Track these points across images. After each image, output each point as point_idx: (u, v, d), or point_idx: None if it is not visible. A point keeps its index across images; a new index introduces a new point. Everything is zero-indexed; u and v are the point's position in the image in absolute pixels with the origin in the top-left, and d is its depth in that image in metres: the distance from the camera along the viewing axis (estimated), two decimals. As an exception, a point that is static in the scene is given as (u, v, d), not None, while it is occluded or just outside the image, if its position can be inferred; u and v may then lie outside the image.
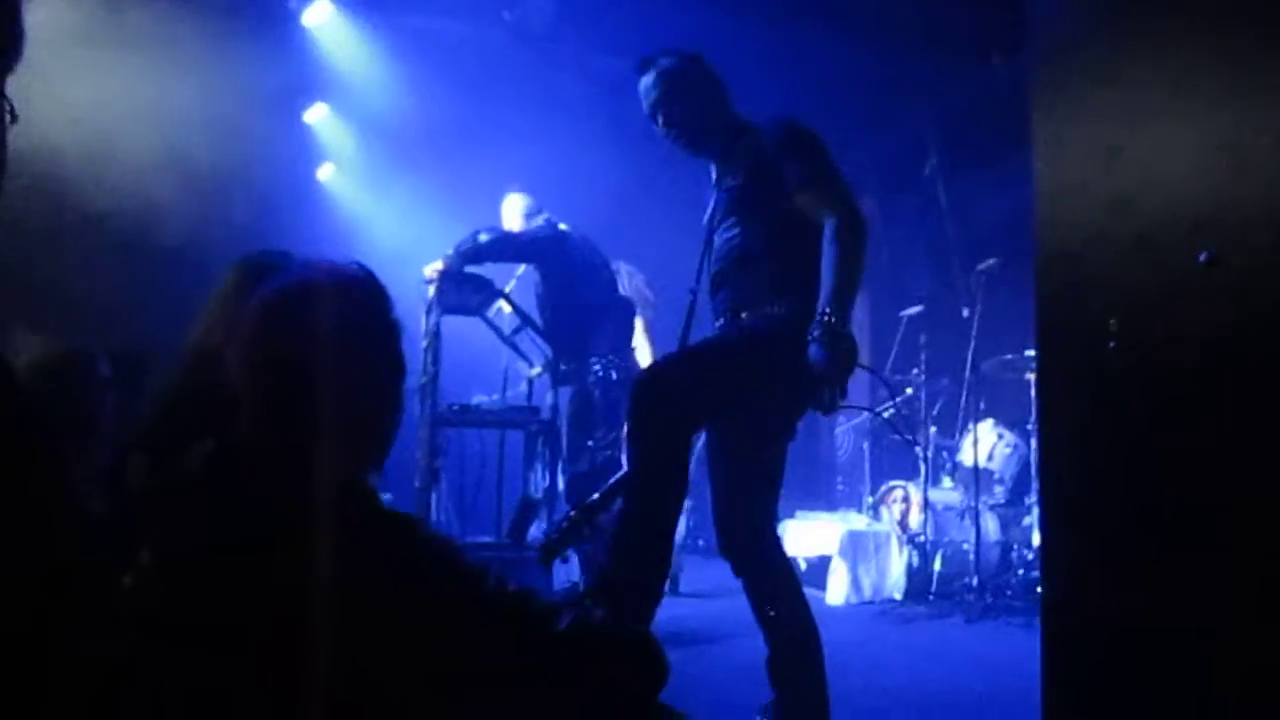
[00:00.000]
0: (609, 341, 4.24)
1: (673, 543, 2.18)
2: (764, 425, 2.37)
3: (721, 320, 2.44)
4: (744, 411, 2.35)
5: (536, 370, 4.48)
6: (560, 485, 4.16)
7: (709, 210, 2.54)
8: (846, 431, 7.42)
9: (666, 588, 5.34)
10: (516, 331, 4.41)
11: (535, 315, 4.40)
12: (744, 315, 2.37)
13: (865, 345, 7.43)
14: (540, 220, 4.44)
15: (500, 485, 4.53)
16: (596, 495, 2.33)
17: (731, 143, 2.51)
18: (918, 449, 5.76)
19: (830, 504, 7.09)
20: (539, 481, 4.27)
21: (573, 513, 2.35)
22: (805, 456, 7.73)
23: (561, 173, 5.70)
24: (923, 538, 5.35)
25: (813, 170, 2.33)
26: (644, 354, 5.00)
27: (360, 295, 1.35)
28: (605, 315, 4.27)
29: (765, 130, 2.44)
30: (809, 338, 2.16)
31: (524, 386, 4.62)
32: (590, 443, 4.10)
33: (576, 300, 4.25)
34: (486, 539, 4.50)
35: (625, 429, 2.32)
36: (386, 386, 1.38)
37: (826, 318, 2.15)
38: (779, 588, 2.34)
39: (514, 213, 4.64)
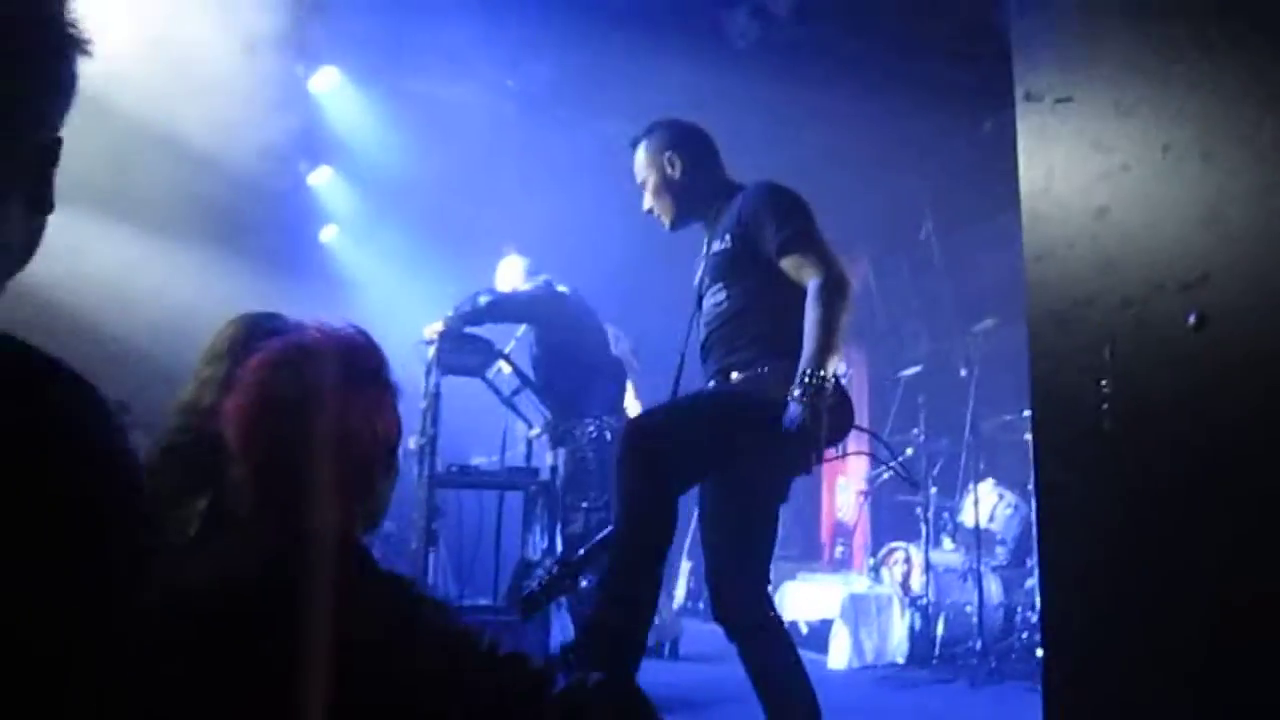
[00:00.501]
0: (602, 402, 4.28)
1: (657, 593, 2.17)
2: (754, 486, 2.38)
3: (713, 383, 2.45)
4: (733, 471, 2.36)
5: (535, 431, 4.49)
6: (558, 546, 4.14)
7: (698, 274, 2.57)
8: (850, 493, 7.37)
9: (666, 651, 5.30)
10: (516, 393, 4.43)
11: (533, 376, 4.42)
12: (734, 376, 2.39)
13: (864, 406, 7.51)
14: (539, 281, 4.49)
15: (499, 547, 4.50)
16: (581, 550, 2.33)
17: (720, 207, 2.55)
18: (919, 509, 5.72)
19: (831, 566, 7.03)
20: (537, 543, 4.25)
21: (555, 567, 2.35)
22: (805, 518, 7.69)
23: (560, 235, 5.76)
24: (925, 600, 5.31)
25: (793, 232, 2.37)
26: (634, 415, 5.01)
27: (356, 355, 1.37)
28: (599, 375, 4.32)
29: (748, 194, 2.49)
30: (789, 397, 2.17)
31: (523, 447, 4.62)
32: (585, 504, 4.12)
33: (572, 360, 4.30)
34: (484, 601, 4.47)
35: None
36: (382, 447, 1.37)
37: (807, 377, 2.17)
38: (773, 653, 2.32)
39: (512, 274, 4.68)
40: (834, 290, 2.27)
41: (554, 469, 4.25)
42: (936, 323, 7.07)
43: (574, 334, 4.29)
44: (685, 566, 7.47)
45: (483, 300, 4.15)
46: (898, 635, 5.25)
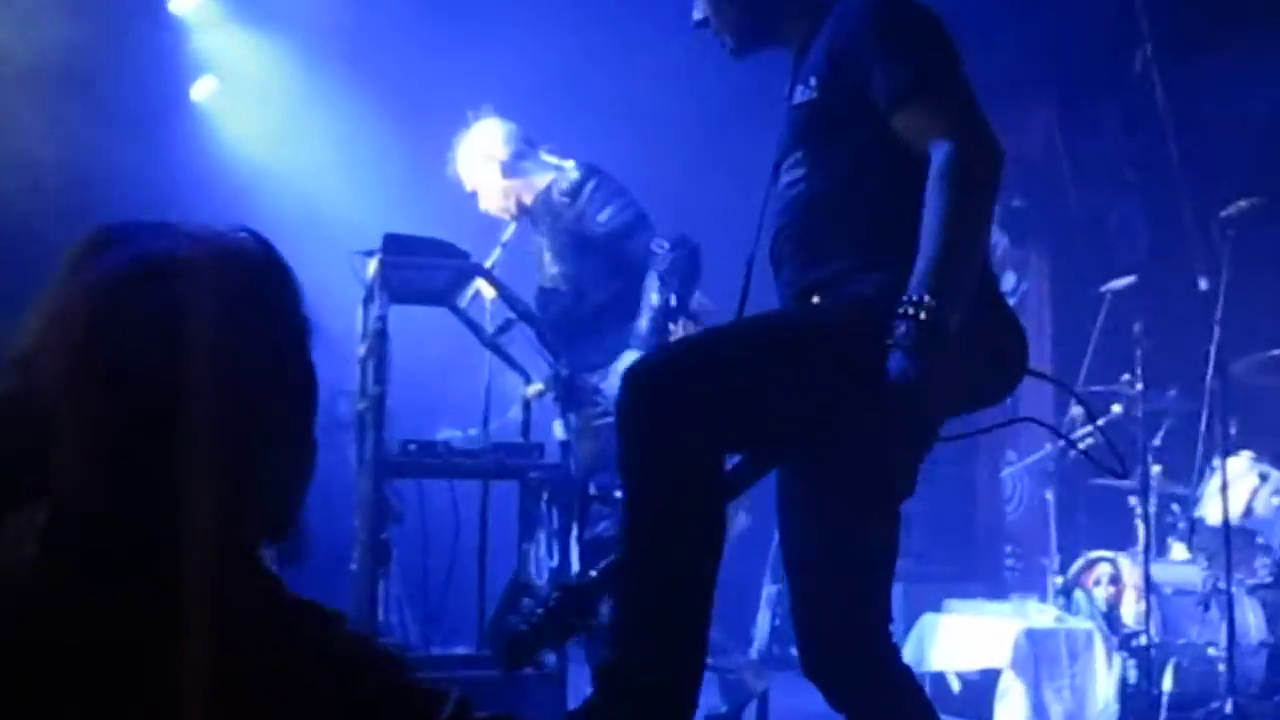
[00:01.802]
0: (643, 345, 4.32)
1: (704, 629, 2.19)
2: (861, 471, 2.36)
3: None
4: (828, 448, 2.37)
5: (536, 388, 4.53)
6: (573, 561, 4.23)
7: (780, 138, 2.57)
8: (1018, 476, 7.38)
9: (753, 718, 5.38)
10: (504, 330, 4.46)
11: (534, 304, 4.46)
12: (816, 299, 2.42)
13: (1044, 341, 7.48)
14: (547, 159, 4.53)
15: (483, 565, 4.56)
16: (594, 571, 2.39)
17: (809, 30, 2.53)
18: (1134, 501, 5.71)
19: (996, 587, 7.06)
20: (542, 558, 4.30)
21: (556, 593, 2.39)
22: (954, 515, 7.72)
23: (552, 88, 5.72)
24: (1144, 639, 5.32)
25: (915, 73, 2.34)
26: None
27: (246, 274, 1.38)
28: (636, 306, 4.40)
29: (846, 11, 2.45)
30: (888, 338, 2.17)
31: (515, 413, 4.66)
32: (619, 493, 4.12)
33: (621, 288, 4.42)
34: (460, 650, 4.54)
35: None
36: (288, 416, 1.39)
37: (916, 306, 2.16)
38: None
39: (489, 148, 4.69)
40: (972, 164, 2.25)
41: (566, 445, 4.29)
42: (1160, 205, 7.00)
43: (633, 249, 4.43)
44: (769, 593, 7.55)
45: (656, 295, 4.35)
46: (1102, 694, 5.26)
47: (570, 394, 4.35)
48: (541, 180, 4.62)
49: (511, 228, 4.66)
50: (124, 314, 1.30)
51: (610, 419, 4.22)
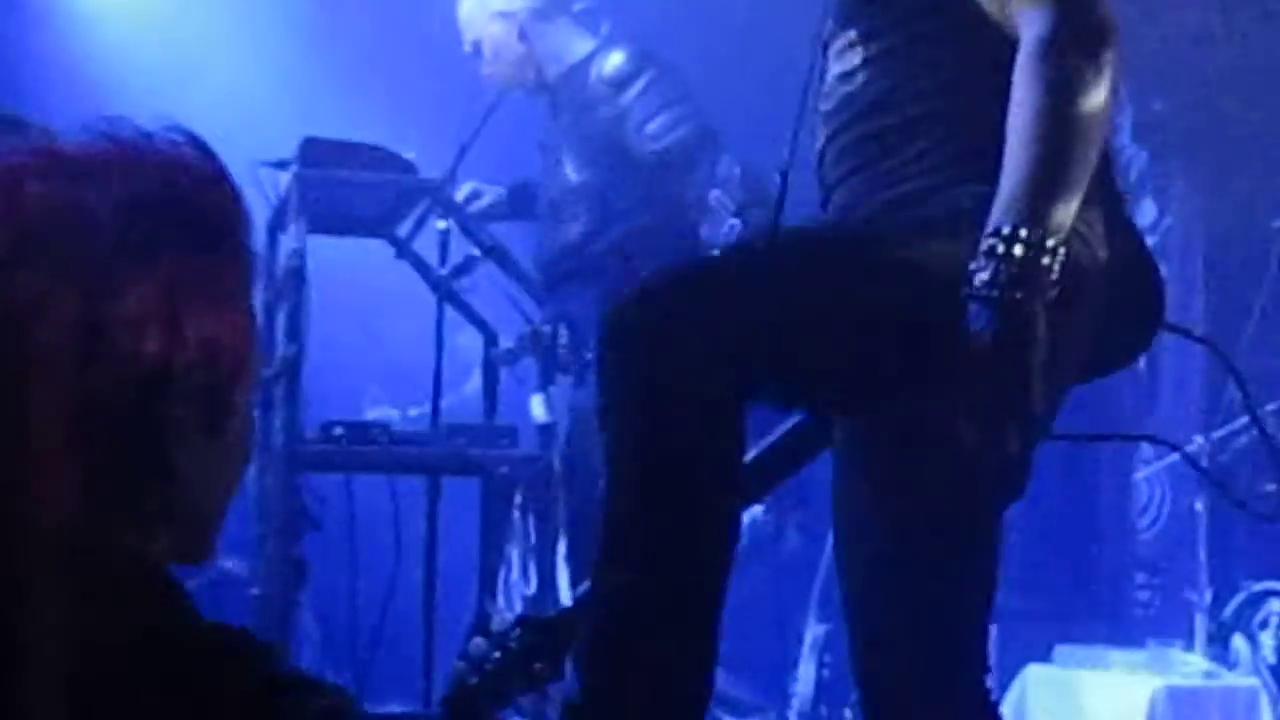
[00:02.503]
0: None
1: (714, 644, 2.19)
2: (945, 454, 2.29)
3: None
4: (897, 418, 2.41)
5: (507, 347, 4.52)
6: (563, 587, 4.24)
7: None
8: (1156, 480, 7.38)
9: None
10: (464, 271, 4.46)
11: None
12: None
13: (1189, 295, 7.45)
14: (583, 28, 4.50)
15: (431, 593, 4.56)
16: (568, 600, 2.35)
17: None
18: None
19: (1122, 630, 7.06)
20: (514, 584, 4.30)
21: (516, 630, 2.43)
22: (1068, 532, 7.72)
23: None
24: (1334, 704, 5.34)
25: None
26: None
27: (183, 197, 1.42)
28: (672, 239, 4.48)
29: None
30: (965, 286, 2.15)
31: (474, 385, 4.65)
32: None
33: (651, 224, 4.52)
34: (397, 709, 4.54)
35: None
36: (220, 377, 1.42)
37: (1006, 239, 2.15)
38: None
39: (496, 28, 4.68)
40: (1075, 45, 2.23)
41: (549, 429, 4.29)
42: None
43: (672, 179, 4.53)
44: (815, 636, 7.54)
45: None
46: (1270, 770, 5.31)
47: (559, 359, 4.34)
48: (575, 50, 4.62)
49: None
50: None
51: None
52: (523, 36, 4.63)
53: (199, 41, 6.87)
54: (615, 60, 4.52)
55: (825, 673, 7.49)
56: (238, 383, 1.44)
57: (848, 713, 7.57)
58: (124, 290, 1.35)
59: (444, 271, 4.54)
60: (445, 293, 4.56)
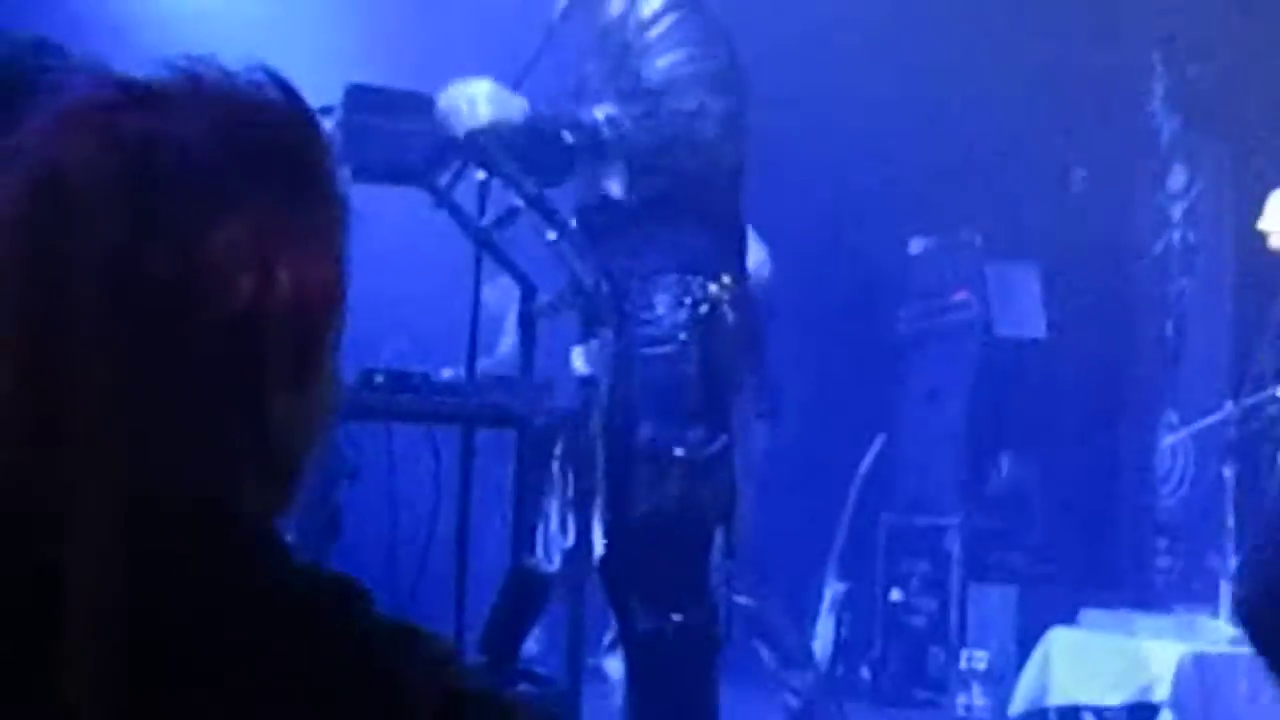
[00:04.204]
0: (720, 242, 4.36)
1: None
2: None
3: None
4: None
5: (546, 300, 4.49)
6: (597, 543, 4.22)
7: None
8: (1182, 446, 7.37)
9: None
10: (506, 221, 4.41)
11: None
12: None
13: (1220, 266, 7.42)
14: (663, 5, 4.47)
15: (464, 547, 4.53)
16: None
17: None
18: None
19: (1144, 596, 7.10)
20: (552, 536, 4.28)
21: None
22: (1089, 496, 7.74)
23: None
24: (1354, 669, 5.31)
25: None
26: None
27: (273, 140, 1.38)
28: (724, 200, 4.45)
29: None
30: None
31: (507, 346, 4.62)
32: (679, 450, 4.19)
33: (669, 186, 4.38)
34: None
35: None
36: (318, 323, 1.40)
37: None
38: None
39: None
40: None
41: (589, 382, 4.26)
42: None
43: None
44: (834, 593, 7.56)
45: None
46: (1296, 739, 5.29)
47: (602, 311, 4.30)
48: None
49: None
50: (73, 180, 1.30)
51: (664, 348, 4.27)
52: None
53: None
54: (652, 3, 4.48)
55: (844, 631, 7.52)
56: (327, 331, 1.40)
57: (865, 670, 7.62)
58: (217, 230, 1.33)
59: (484, 223, 4.48)
60: (484, 243, 4.51)
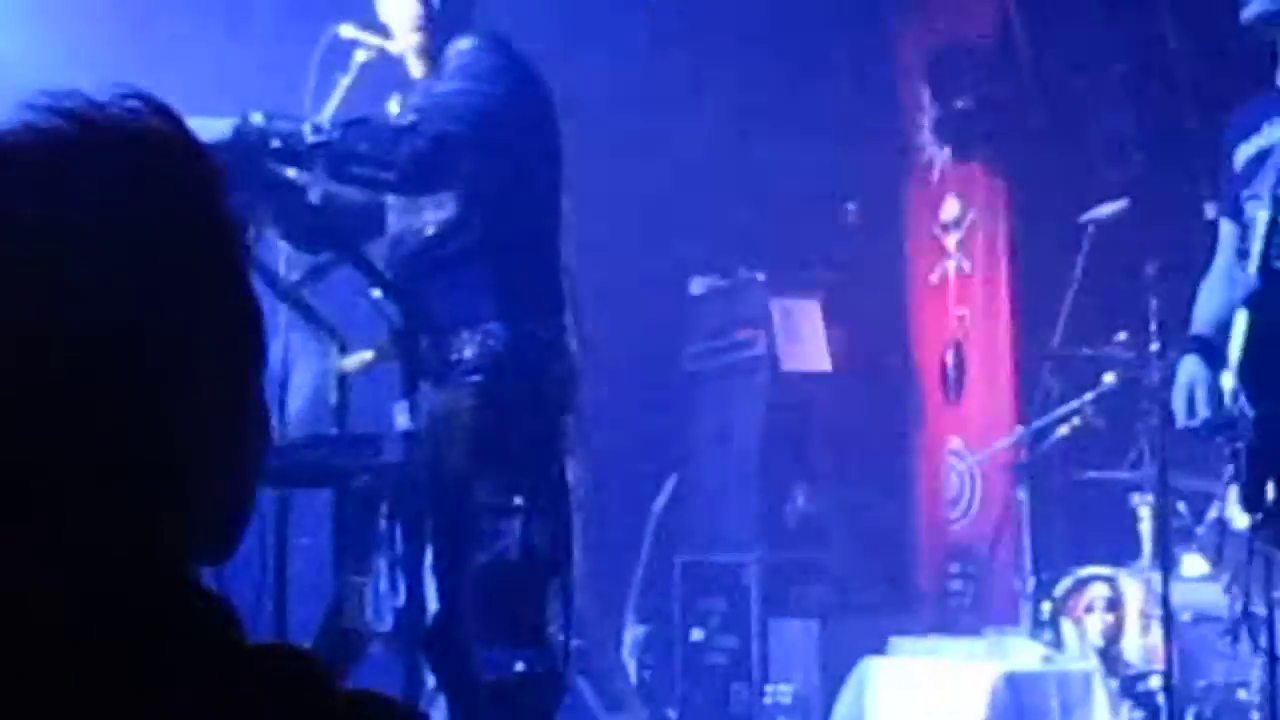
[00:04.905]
0: (542, 286, 4.45)
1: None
2: None
3: None
4: None
5: (360, 358, 4.43)
6: (431, 598, 4.16)
7: None
8: (969, 471, 7.49)
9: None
10: (318, 275, 4.35)
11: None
12: None
13: (997, 291, 7.55)
14: (467, 46, 4.41)
15: (283, 609, 4.43)
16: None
17: None
18: (1137, 500, 5.82)
19: (946, 621, 7.19)
20: (384, 597, 4.22)
21: None
22: (884, 525, 7.79)
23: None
24: (1155, 681, 5.42)
25: None
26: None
27: (156, 172, 1.35)
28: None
29: None
30: None
31: (333, 394, 4.54)
32: (519, 499, 4.19)
33: (534, 221, 4.46)
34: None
35: None
36: (236, 352, 1.37)
37: None
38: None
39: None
40: None
41: (412, 437, 4.20)
42: (1156, 104, 7.11)
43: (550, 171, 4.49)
44: (634, 637, 7.54)
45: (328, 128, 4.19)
46: (1105, 754, 5.39)
47: (424, 362, 4.26)
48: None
49: (328, 111, 4.49)
50: None
51: (493, 396, 4.28)
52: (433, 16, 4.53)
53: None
54: (458, 44, 4.46)
55: (645, 674, 7.49)
56: (250, 367, 1.38)
57: (670, 712, 7.60)
58: (129, 297, 1.30)
59: (294, 278, 4.41)
60: (294, 302, 4.43)
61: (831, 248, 8.00)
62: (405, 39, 4.53)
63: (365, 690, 1.43)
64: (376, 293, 4.34)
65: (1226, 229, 4.80)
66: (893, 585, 7.60)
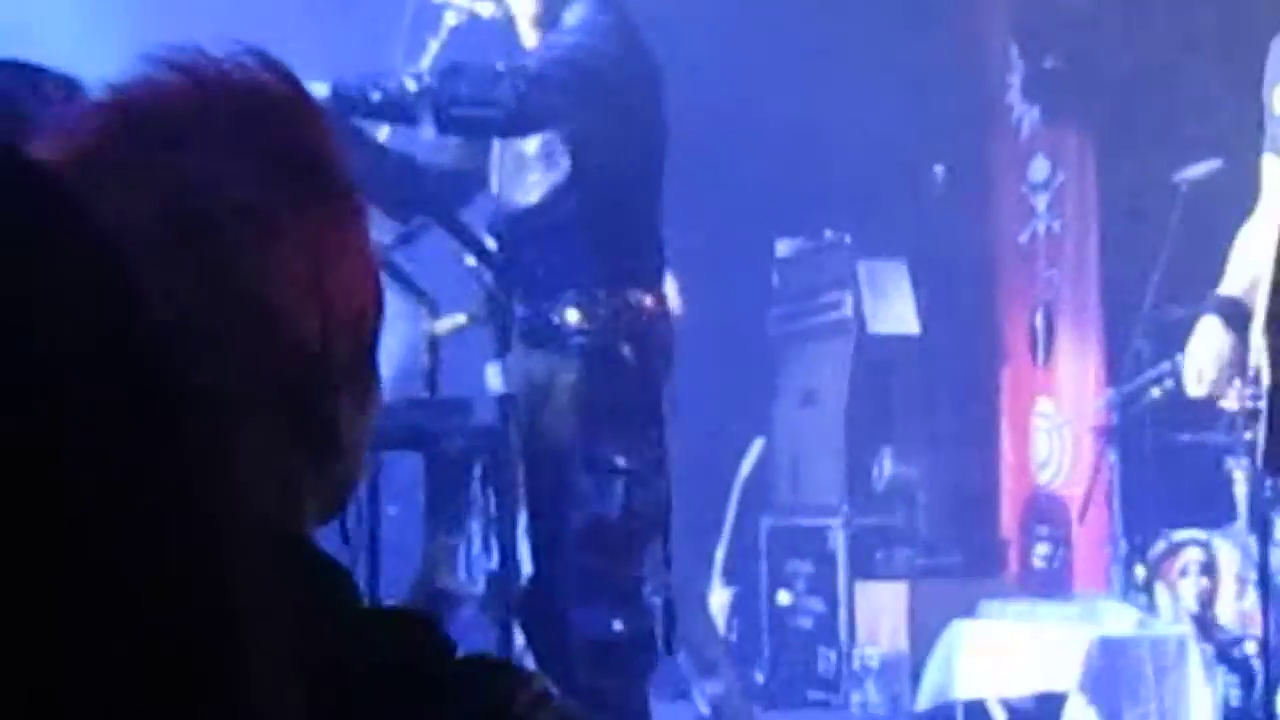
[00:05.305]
0: (645, 255, 4.44)
1: None
2: None
3: None
4: None
5: (454, 321, 4.43)
6: (525, 561, 4.17)
7: None
8: (1059, 433, 7.45)
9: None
10: (408, 240, 4.35)
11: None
12: None
13: (1087, 253, 7.50)
14: (581, 8, 4.38)
15: (375, 573, 4.45)
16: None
17: None
18: (1233, 463, 5.76)
19: (1035, 584, 7.13)
20: (475, 558, 4.23)
21: None
22: (973, 488, 7.77)
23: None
24: (1251, 647, 5.37)
25: None
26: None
27: (280, 122, 1.34)
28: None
29: None
30: None
31: (425, 358, 4.55)
32: (621, 460, 4.20)
33: (641, 187, 4.44)
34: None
35: None
36: (351, 334, 1.35)
37: None
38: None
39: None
40: None
41: (508, 400, 4.22)
42: (1242, 62, 7.03)
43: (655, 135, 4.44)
44: (722, 601, 7.54)
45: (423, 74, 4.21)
46: (1201, 717, 5.34)
47: (525, 327, 4.27)
48: None
49: (423, 64, 4.47)
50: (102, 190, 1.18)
51: (601, 360, 4.29)
52: None
53: None
54: (577, 7, 4.44)
55: (733, 637, 7.50)
56: (377, 342, 1.37)
57: (758, 675, 7.61)
58: (271, 267, 1.28)
59: (385, 241, 4.42)
60: (386, 265, 4.44)
61: (918, 209, 7.95)
62: (522, 8, 4.51)
63: (479, 654, 1.43)
64: (470, 260, 4.35)
65: (1272, 168, 4.69)
66: (981, 549, 7.57)
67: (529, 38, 4.50)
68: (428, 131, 4.20)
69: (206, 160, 1.27)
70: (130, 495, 0.83)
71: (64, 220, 0.84)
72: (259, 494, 1.30)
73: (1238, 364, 4.35)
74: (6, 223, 0.79)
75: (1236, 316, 4.39)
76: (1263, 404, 4.04)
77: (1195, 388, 4.47)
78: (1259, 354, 4.07)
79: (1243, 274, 4.54)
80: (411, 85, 4.14)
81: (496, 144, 4.53)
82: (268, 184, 1.29)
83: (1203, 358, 4.42)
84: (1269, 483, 5.50)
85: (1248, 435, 4.29)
